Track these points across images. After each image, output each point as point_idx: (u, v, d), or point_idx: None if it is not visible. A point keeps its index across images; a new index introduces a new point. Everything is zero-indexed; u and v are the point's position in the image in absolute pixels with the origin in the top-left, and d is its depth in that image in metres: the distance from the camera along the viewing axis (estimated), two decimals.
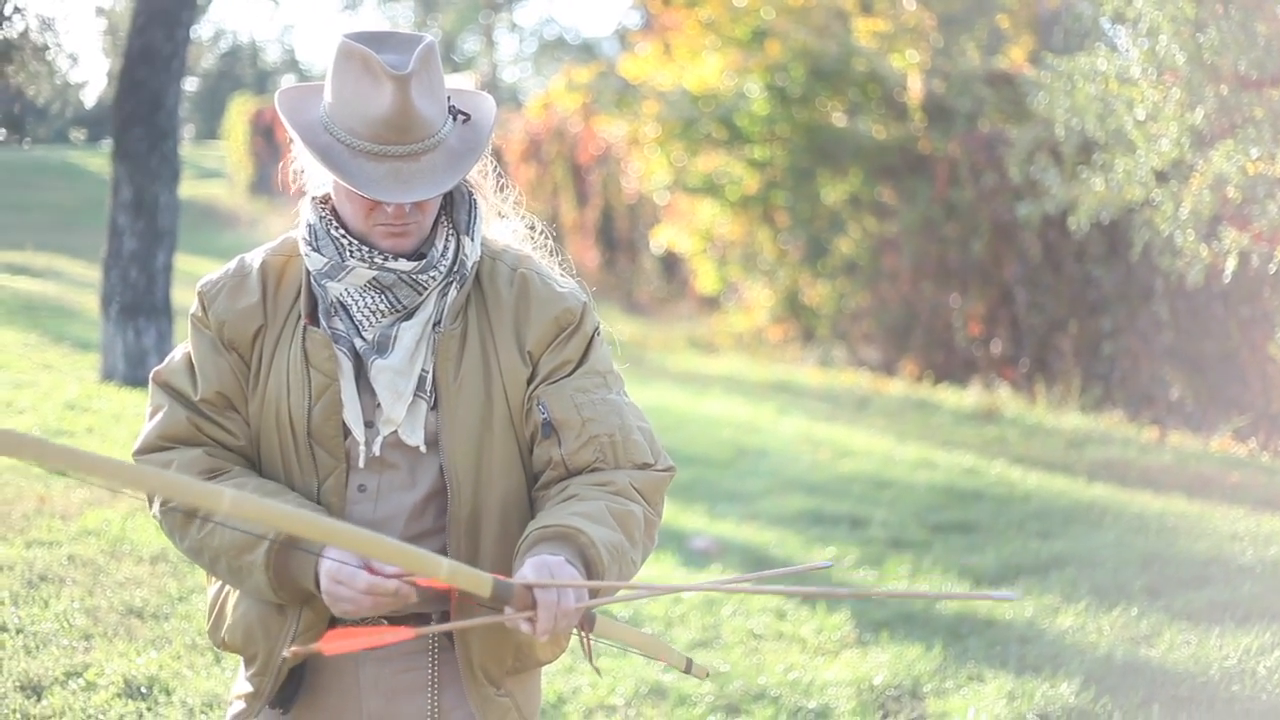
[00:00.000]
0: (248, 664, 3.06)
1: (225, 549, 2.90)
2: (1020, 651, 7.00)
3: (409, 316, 2.98)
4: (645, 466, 3.02)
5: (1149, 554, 8.58)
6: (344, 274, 2.95)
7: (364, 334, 2.97)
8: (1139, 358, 13.65)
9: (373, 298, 2.95)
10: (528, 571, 2.73)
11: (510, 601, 2.69)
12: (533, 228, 3.26)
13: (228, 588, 3.07)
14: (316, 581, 2.82)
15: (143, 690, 5.57)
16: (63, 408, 10.18)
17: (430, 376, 2.98)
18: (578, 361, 3.04)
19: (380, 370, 2.95)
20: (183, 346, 3.11)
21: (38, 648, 5.79)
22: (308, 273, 3.02)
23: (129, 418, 10.13)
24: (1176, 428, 12.97)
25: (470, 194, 3.10)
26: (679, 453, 11.71)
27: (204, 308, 3.06)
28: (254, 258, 3.12)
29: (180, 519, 2.95)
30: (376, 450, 2.97)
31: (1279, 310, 10.52)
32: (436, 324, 2.99)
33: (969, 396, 14.83)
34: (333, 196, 3.01)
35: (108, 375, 11.61)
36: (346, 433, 2.98)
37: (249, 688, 3.06)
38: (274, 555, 2.85)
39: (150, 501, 3.01)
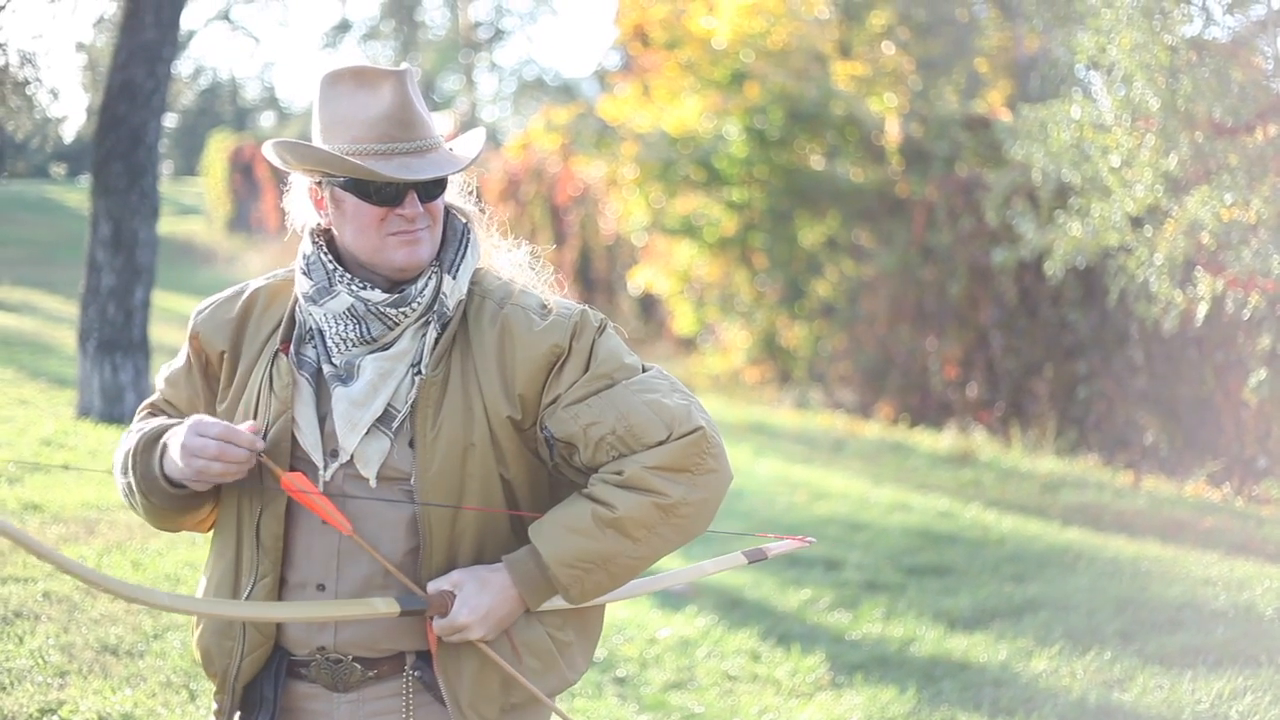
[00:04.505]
0: (211, 681, 3.18)
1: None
2: (994, 695, 7.01)
3: (382, 349, 3.01)
4: (660, 444, 2.97)
5: (1123, 598, 8.61)
6: (328, 299, 3.01)
7: (333, 360, 3.03)
8: (1114, 402, 13.69)
9: (346, 326, 3.01)
10: (446, 581, 2.99)
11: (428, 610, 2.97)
12: (534, 255, 3.28)
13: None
14: (163, 468, 3.05)
15: None
16: (39, 444, 10.15)
17: (400, 415, 3.00)
18: (579, 377, 3.02)
19: (339, 399, 3.00)
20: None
21: (12, 684, 5.77)
22: (295, 300, 3.12)
23: (105, 454, 10.11)
24: (1151, 472, 13.01)
25: (464, 231, 3.15)
26: None
27: (194, 318, 3.23)
28: (254, 283, 3.25)
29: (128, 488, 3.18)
30: (328, 476, 3.01)
31: (1253, 355, 10.57)
32: (415, 364, 3.02)
33: (944, 439, 14.86)
34: (335, 222, 3.06)
35: (84, 411, 11.59)
36: (297, 466, 3.03)
37: (215, 705, 3.16)
38: (138, 452, 3.11)
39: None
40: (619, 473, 2.96)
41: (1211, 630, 7.81)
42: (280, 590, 3.05)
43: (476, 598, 2.94)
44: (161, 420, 3.15)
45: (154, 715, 5.72)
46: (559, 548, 2.94)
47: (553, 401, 3.00)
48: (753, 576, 9.27)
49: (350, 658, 3.02)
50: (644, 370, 3.08)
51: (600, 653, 7.30)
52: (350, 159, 2.93)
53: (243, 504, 3.07)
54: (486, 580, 2.96)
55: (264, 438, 3.02)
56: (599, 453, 2.98)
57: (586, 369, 3.02)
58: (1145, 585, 8.94)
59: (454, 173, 3.02)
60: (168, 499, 3.08)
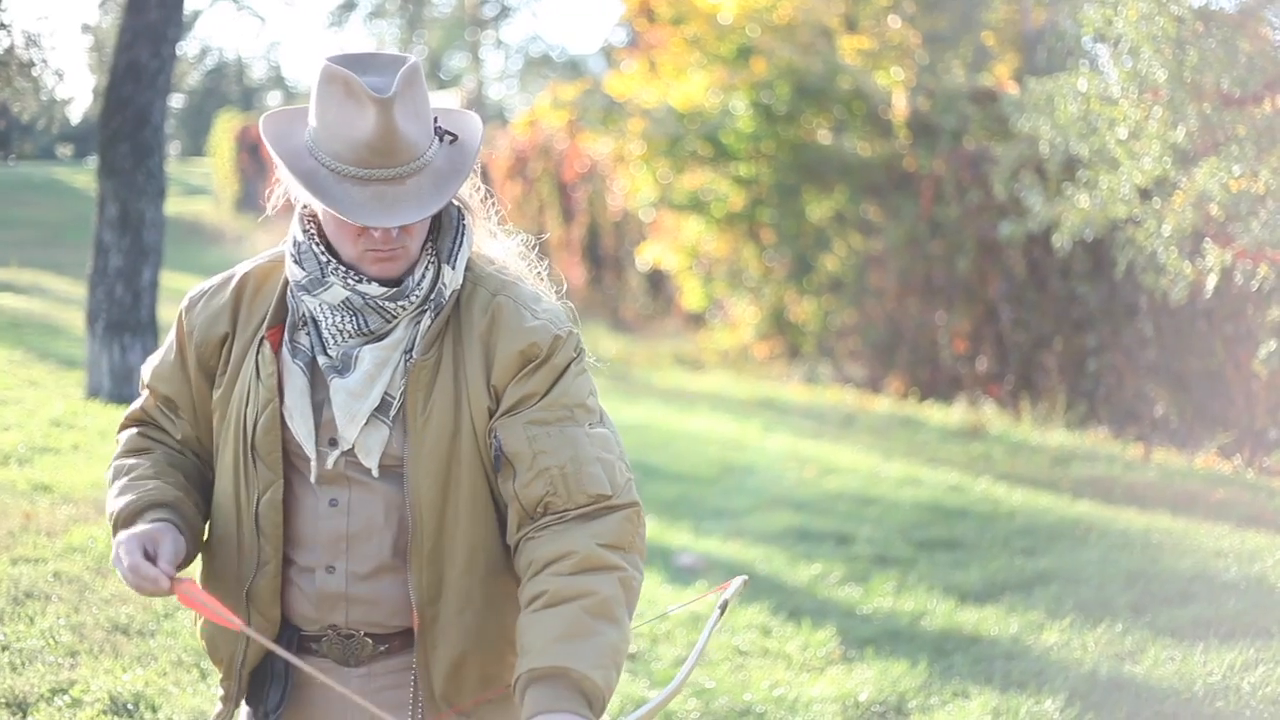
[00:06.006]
0: (217, 668, 3.15)
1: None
2: (1005, 668, 7.01)
3: (378, 339, 2.97)
4: (599, 499, 2.89)
5: (1134, 571, 8.60)
6: (322, 290, 2.95)
7: (328, 350, 2.99)
8: (1124, 375, 13.68)
9: (342, 317, 2.95)
10: None
11: None
12: (530, 246, 3.23)
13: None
14: None
15: (128, 707, 5.56)
16: (48, 425, 10.16)
17: (396, 402, 2.97)
18: (542, 394, 2.95)
19: (336, 390, 2.96)
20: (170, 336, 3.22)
21: (23, 664, 5.78)
22: (285, 284, 3.06)
23: (114, 435, 10.10)
24: (1161, 444, 12.99)
25: (460, 218, 3.08)
26: (664, 470, 11.71)
27: (185, 312, 3.16)
28: (242, 266, 3.18)
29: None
30: (329, 465, 2.99)
31: (1263, 327, 10.54)
32: (409, 351, 2.98)
33: (954, 413, 14.85)
34: (320, 220, 2.99)
35: (93, 392, 11.59)
36: (288, 450, 3.02)
37: (221, 691, 3.15)
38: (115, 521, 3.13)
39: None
40: (566, 556, 2.83)
41: (1223, 602, 7.81)
42: (285, 573, 3.04)
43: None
44: (146, 489, 3.13)
45: (165, 694, 5.72)
46: (576, 655, 2.74)
47: (512, 405, 2.95)
48: (763, 551, 9.27)
49: (362, 633, 3.02)
50: (601, 420, 3.02)
51: None
52: (326, 174, 2.86)
53: (240, 491, 3.04)
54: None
55: (254, 426, 3.00)
56: (536, 483, 2.88)
57: (551, 390, 2.96)
58: (1156, 558, 8.93)
59: (428, 215, 2.90)
60: None
